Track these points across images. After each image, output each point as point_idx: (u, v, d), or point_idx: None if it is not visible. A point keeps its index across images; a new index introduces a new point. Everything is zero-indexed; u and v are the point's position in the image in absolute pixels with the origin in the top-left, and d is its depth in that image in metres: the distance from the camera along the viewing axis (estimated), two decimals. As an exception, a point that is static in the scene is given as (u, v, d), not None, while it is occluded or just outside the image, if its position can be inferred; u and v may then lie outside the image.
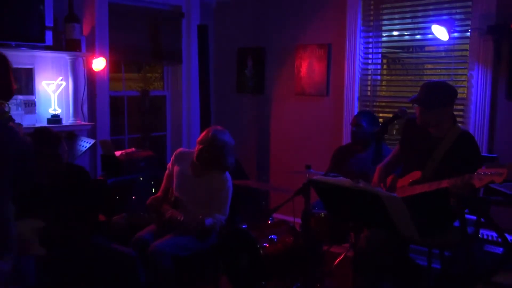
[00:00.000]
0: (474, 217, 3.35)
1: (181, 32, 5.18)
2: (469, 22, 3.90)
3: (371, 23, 4.48)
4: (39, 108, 4.03)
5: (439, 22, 3.77)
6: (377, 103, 4.55)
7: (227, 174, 3.50)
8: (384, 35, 4.50)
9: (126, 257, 3.00)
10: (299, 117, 4.98)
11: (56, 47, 4.03)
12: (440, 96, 2.91)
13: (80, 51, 4.12)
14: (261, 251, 3.34)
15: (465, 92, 3.97)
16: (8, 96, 2.30)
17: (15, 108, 3.87)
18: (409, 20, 4.32)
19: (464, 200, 2.77)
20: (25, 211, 2.31)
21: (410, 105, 3.91)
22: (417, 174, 3.01)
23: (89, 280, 2.84)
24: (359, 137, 3.87)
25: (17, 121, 3.80)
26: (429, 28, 3.90)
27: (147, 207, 3.51)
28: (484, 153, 3.76)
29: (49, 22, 3.90)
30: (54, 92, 4.08)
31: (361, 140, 3.88)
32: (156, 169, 4.27)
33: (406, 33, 4.42)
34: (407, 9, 4.29)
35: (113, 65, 4.75)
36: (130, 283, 2.98)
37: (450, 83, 3.39)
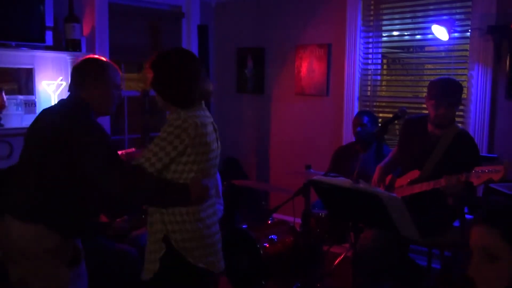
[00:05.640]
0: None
1: (181, 32, 5.18)
2: (469, 22, 3.90)
3: (371, 23, 4.48)
4: (39, 108, 4.01)
5: (439, 22, 3.77)
6: (377, 103, 4.55)
7: None
8: (384, 35, 4.50)
9: (128, 256, 3.00)
10: (299, 117, 4.98)
11: (56, 47, 4.03)
12: (460, 91, 3.04)
13: (80, 51, 4.11)
14: (261, 251, 3.34)
15: (465, 92, 3.96)
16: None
17: (15, 108, 3.88)
18: (409, 20, 4.32)
19: (461, 199, 2.78)
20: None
21: (410, 105, 3.92)
22: (415, 174, 3.02)
23: (92, 280, 2.84)
24: (363, 137, 3.88)
25: (17, 121, 3.86)
26: (429, 28, 3.90)
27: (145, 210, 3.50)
28: (484, 153, 3.76)
29: (49, 22, 3.90)
30: (54, 92, 4.08)
31: (365, 140, 3.88)
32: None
33: (406, 33, 4.42)
34: (407, 9, 4.29)
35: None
36: (131, 282, 2.98)
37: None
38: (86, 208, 2.32)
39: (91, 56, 2.50)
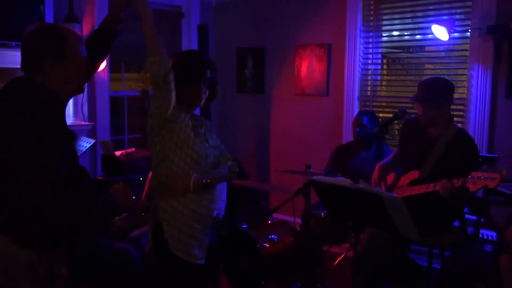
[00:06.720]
0: (474, 217, 3.35)
1: (181, 32, 5.18)
2: (469, 22, 3.90)
3: (371, 23, 4.48)
4: (39, 108, 4.03)
5: (439, 22, 3.77)
6: (377, 103, 4.55)
7: None
8: (384, 35, 4.50)
9: (127, 255, 2.99)
10: (299, 117, 4.98)
11: (56, 47, 4.03)
12: (440, 91, 2.94)
13: (80, 51, 4.11)
14: (261, 251, 3.34)
15: (465, 92, 3.97)
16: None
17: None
18: (409, 20, 4.32)
19: (460, 200, 2.77)
20: None
21: (410, 105, 3.92)
22: (414, 174, 3.02)
23: (91, 280, 2.84)
24: (362, 137, 3.88)
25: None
26: (429, 28, 3.90)
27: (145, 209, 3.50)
28: (484, 153, 3.76)
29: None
30: (54, 92, 4.07)
31: (364, 141, 3.88)
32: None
33: (406, 33, 4.42)
34: (407, 9, 4.29)
35: (113, 65, 4.75)
36: (132, 281, 2.97)
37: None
38: (54, 219, 1.73)
39: (44, 24, 1.99)
